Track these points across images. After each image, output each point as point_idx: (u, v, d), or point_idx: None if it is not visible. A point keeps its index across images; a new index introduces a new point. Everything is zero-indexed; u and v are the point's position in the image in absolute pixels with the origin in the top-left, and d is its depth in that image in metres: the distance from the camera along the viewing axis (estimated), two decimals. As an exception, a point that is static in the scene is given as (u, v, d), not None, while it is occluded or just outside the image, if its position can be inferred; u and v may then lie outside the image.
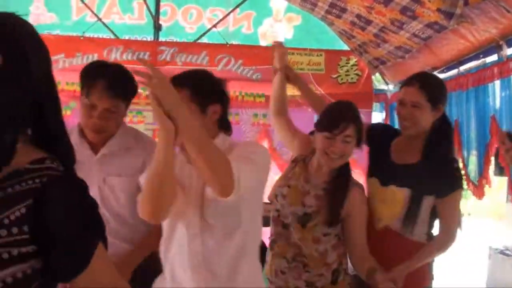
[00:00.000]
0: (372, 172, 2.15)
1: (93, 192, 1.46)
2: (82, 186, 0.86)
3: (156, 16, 4.27)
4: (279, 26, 4.60)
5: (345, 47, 4.34)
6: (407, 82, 2.05)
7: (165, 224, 1.59)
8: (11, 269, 0.75)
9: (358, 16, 3.43)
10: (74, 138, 1.79)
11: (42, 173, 0.82)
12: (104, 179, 1.85)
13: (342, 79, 4.27)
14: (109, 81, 1.75)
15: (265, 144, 4.29)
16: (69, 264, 0.81)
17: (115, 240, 1.75)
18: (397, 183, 1.99)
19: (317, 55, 4.22)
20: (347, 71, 4.26)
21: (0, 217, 0.76)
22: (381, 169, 2.09)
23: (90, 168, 1.80)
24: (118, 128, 1.89)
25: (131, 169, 1.85)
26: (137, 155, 1.90)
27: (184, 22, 4.59)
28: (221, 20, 4.37)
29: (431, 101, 1.94)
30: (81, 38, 4.23)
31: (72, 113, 4.08)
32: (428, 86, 1.96)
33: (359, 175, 4.20)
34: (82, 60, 4.17)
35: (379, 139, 2.17)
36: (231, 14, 4.45)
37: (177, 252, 1.57)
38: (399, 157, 2.05)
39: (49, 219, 0.78)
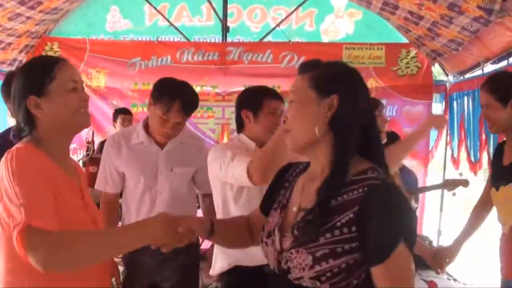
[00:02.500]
0: (491, 183, 2.81)
1: (162, 179, 2.81)
2: (397, 192, 1.38)
3: (223, 19, 5.83)
4: (340, 22, 6.02)
5: (405, 40, 5.68)
6: (481, 86, 2.85)
7: None
8: (342, 259, 1.34)
9: (410, 12, 4.78)
10: (142, 136, 2.83)
11: (365, 183, 1.38)
12: (171, 169, 2.85)
13: (402, 71, 5.62)
14: (185, 102, 2.78)
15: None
16: (374, 255, 1.33)
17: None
18: (504, 182, 2.60)
19: (378, 49, 5.60)
20: (407, 63, 5.60)
21: (334, 220, 1.36)
22: (494, 177, 2.77)
23: (159, 161, 2.85)
24: None
25: (189, 160, 2.91)
26: (192, 149, 2.94)
27: (250, 22, 6.15)
28: (284, 19, 5.86)
29: (499, 100, 2.54)
30: (155, 42, 5.90)
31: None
32: (493, 87, 2.59)
33: (419, 165, 5.55)
34: (156, 62, 5.83)
35: (496, 151, 2.95)
36: (294, 13, 5.91)
37: None
38: (507, 159, 2.68)
39: (369, 220, 1.33)
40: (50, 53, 6.01)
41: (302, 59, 5.67)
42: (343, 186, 1.41)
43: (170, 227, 1.65)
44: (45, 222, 1.53)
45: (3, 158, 1.66)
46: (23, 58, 6.07)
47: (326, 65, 1.58)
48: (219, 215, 2.69)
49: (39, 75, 1.79)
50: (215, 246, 2.78)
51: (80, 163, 4.23)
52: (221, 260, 2.73)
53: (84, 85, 1.92)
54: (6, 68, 5.98)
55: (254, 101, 2.69)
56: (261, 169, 2.30)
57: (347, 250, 1.35)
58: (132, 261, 2.91)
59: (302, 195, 1.55)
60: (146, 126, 2.87)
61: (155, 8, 5.93)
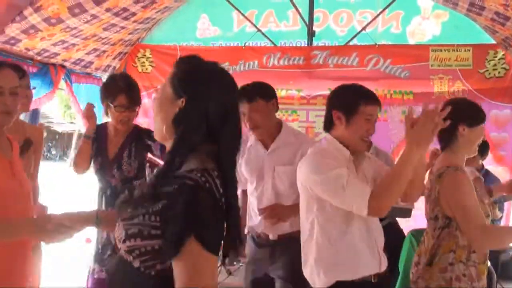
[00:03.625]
0: None
1: (266, 178, 3.52)
2: (203, 195, 1.62)
3: (309, 23, 6.63)
4: (427, 24, 6.64)
5: (492, 41, 6.18)
6: None
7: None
8: (148, 241, 1.65)
9: (497, 13, 5.34)
10: (252, 141, 3.58)
11: (181, 181, 1.62)
12: (274, 168, 3.41)
13: (489, 73, 6.10)
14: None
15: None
16: (167, 249, 1.60)
17: None
18: None
19: (465, 50, 6.11)
20: (495, 65, 6.06)
21: (148, 207, 1.66)
22: None
23: (263, 161, 3.46)
24: (269, 123, 3.59)
25: (292, 159, 3.36)
26: (296, 149, 3.39)
27: (335, 26, 6.93)
28: (370, 22, 6.57)
29: None
30: (243, 47, 6.80)
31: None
32: None
33: (505, 172, 5.99)
34: (244, 67, 6.71)
35: None
36: (380, 15, 6.59)
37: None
38: None
39: (167, 214, 1.61)
40: (143, 60, 7.06)
41: (388, 62, 6.35)
42: (170, 179, 1.66)
43: (40, 224, 2.21)
44: None
45: None
46: (117, 64, 7.14)
47: (188, 65, 1.82)
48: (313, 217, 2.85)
49: None
50: (315, 259, 2.84)
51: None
52: (323, 273, 2.81)
53: (12, 91, 2.47)
54: (100, 74, 7.07)
55: (348, 103, 2.80)
56: (383, 204, 2.55)
57: (152, 235, 1.64)
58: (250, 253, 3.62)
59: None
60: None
61: (243, 15, 6.84)
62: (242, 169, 3.58)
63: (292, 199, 3.39)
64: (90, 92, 6.83)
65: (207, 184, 1.64)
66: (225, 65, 6.66)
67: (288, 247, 3.34)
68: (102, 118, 6.52)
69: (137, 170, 3.81)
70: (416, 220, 4.54)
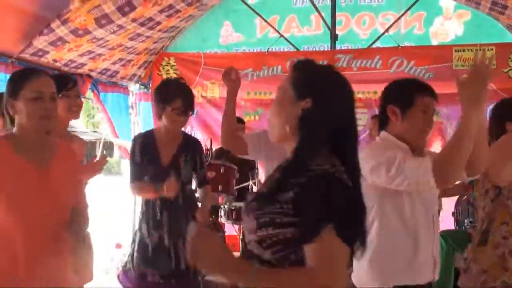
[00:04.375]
0: None
1: None
2: (337, 184, 1.68)
3: (332, 27, 6.67)
4: (449, 24, 6.65)
5: (515, 40, 6.17)
6: None
7: None
8: (280, 230, 1.67)
9: (519, 12, 5.39)
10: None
11: (313, 172, 1.68)
12: None
13: (513, 72, 6.06)
14: None
15: (438, 142, 6.31)
16: (303, 234, 1.63)
17: None
18: None
19: (488, 49, 6.08)
20: None
21: (279, 196, 1.69)
22: None
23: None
24: None
25: None
26: None
27: (358, 29, 6.97)
28: (393, 24, 6.58)
29: None
30: (266, 53, 6.86)
31: (259, 118, 6.70)
32: None
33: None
34: (267, 72, 6.77)
35: None
36: (403, 17, 6.60)
37: None
38: None
39: (302, 202, 1.64)
40: (167, 68, 7.15)
41: (412, 63, 6.34)
42: (299, 172, 1.71)
43: None
44: None
45: None
46: (142, 73, 7.25)
47: (311, 68, 1.88)
48: (377, 228, 2.70)
49: (16, 81, 2.48)
50: (369, 260, 2.66)
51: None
52: (379, 275, 2.70)
53: (52, 96, 2.48)
54: (126, 83, 7.20)
55: (403, 95, 2.70)
56: (449, 170, 2.37)
57: (285, 222, 1.67)
58: None
59: (273, 174, 1.91)
60: None
61: (265, 21, 6.90)
62: (266, 164, 3.48)
63: None
64: (117, 101, 6.97)
65: (338, 175, 1.68)
66: (249, 71, 6.80)
67: None
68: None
69: (190, 175, 3.93)
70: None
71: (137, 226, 3.97)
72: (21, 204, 2.37)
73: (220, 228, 4.03)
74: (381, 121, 2.82)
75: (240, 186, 5.58)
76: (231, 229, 6.13)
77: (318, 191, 1.64)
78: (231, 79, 3.38)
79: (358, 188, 1.77)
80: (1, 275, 2.34)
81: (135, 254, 3.83)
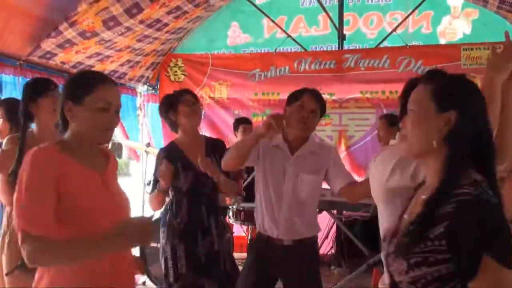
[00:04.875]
0: None
1: (287, 183, 3.35)
2: (489, 208, 1.55)
3: (340, 27, 6.66)
4: (457, 23, 6.62)
5: (524, 38, 6.15)
6: None
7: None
8: (435, 267, 1.57)
9: (528, 11, 5.36)
10: (279, 139, 3.31)
11: (459, 198, 1.55)
12: (297, 175, 3.26)
13: (522, 71, 6.06)
14: (312, 90, 3.36)
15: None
16: (466, 271, 1.52)
17: (292, 217, 3.27)
18: None
19: (497, 48, 6.07)
20: None
21: (429, 232, 1.59)
22: None
23: (287, 165, 3.29)
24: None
25: (316, 169, 3.32)
26: (320, 159, 3.34)
27: (366, 29, 6.95)
28: (400, 23, 6.56)
29: None
30: (274, 53, 6.86)
31: (267, 119, 6.73)
32: None
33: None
34: (275, 73, 6.77)
35: None
36: (410, 16, 6.58)
37: None
38: None
39: (459, 236, 1.53)
40: (175, 69, 7.17)
41: (420, 62, 6.30)
42: (444, 200, 1.60)
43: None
44: (35, 228, 1.95)
45: (26, 155, 2.09)
46: (150, 74, 7.27)
47: (449, 78, 1.79)
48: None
49: (82, 85, 2.16)
50: None
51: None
52: None
53: (118, 109, 2.22)
54: (134, 84, 7.21)
55: None
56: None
57: (439, 260, 1.57)
58: (259, 252, 3.45)
59: (414, 205, 1.81)
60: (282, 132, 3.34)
61: (273, 21, 6.90)
62: (261, 169, 3.38)
63: (313, 207, 3.48)
64: (125, 102, 6.98)
65: (486, 197, 1.57)
66: (256, 71, 6.80)
67: (302, 253, 3.33)
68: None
69: None
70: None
71: (164, 240, 3.79)
72: (89, 212, 2.14)
73: (228, 228, 3.98)
74: None
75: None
76: (239, 230, 6.13)
77: (470, 221, 1.52)
78: (274, 129, 3.03)
79: (501, 202, 1.66)
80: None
81: (182, 268, 3.71)
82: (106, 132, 2.23)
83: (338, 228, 6.18)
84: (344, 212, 5.44)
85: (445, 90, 1.72)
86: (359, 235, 5.06)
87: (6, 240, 3.21)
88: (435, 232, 1.58)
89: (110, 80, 2.25)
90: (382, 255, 1.94)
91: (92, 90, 2.14)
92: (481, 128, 1.68)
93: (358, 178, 6.34)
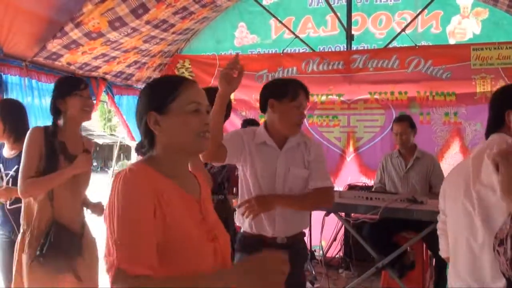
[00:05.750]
0: None
1: (279, 179, 3.19)
2: None
3: (348, 28, 6.59)
4: (467, 22, 6.53)
5: (534, 37, 6.02)
6: None
7: None
8: None
9: (539, 10, 5.28)
10: (264, 135, 3.16)
11: None
12: (289, 169, 3.17)
13: (533, 71, 5.91)
14: (303, 86, 3.17)
15: (457, 143, 6.22)
16: None
17: (287, 212, 3.17)
18: None
19: (507, 48, 5.94)
20: None
21: None
22: None
23: (277, 160, 3.17)
24: None
25: (303, 161, 3.22)
26: (305, 150, 3.23)
27: (374, 29, 6.87)
28: (409, 23, 6.49)
29: None
30: (281, 54, 6.80)
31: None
32: None
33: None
34: (283, 74, 6.71)
35: None
36: (419, 16, 6.51)
37: None
38: None
39: None
40: (182, 70, 7.13)
41: (429, 63, 6.23)
42: None
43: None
44: (134, 266, 1.63)
45: (114, 180, 1.78)
46: (157, 75, 7.22)
47: None
48: None
49: (163, 92, 1.91)
50: None
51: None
52: None
53: (208, 108, 1.96)
54: (141, 86, 7.17)
55: None
56: None
57: None
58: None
59: None
60: (266, 129, 3.23)
61: (281, 22, 6.85)
62: (250, 167, 3.18)
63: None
64: (132, 104, 6.95)
65: None
66: (264, 72, 6.76)
67: (296, 250, 3.20)
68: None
69: None
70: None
71: None
72: (189, 246, 1.80)
73: (234, 229, 3.93)
74: (492, 124, 2.52)
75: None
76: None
77: None
78: (230, 79, 2.85)
79: None
80: None
81: None
82: (203, 136, 1.92)
83: (346, 230, 6.12)
84: (352, 214, 5.38)
85: None
86: (367, 237, 5.00)
87: (27, 240, 3.17)
88: None
89: (190, 80, 1.99)
90: (499, 260, 1.72)
91: (176, 93, 1.90)
92: None
93: (366, 180, 6.46)
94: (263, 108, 3.23)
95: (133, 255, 1.65)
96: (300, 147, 3.25)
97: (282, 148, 3.21)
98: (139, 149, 2.00)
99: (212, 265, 1.84)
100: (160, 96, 1.88)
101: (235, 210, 5.37)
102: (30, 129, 3.30)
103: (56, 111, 3.31)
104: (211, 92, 3.44)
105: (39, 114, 5.06)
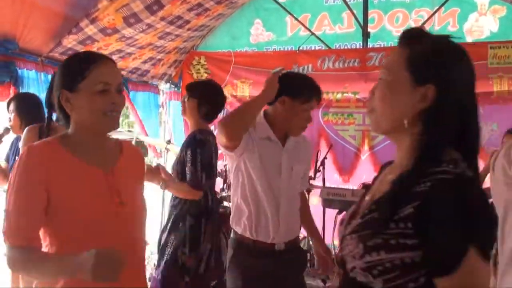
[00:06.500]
0: None
1: (283, 177, 3.12)
2: (472, 189, 1.30)
3: (364, 25, 6.53)
4: (484, 20, 6.45)
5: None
6: None
7: None
8: (396, 254, 1.30)
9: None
10: (268, 130, 3.03)
11: (435, 176, 1.30)
12: (292, 167, 3.10)
13: (549, 70, 5.79)
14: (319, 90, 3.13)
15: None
16: (437, 264, 1.26)
17: (290, 215, 3.12)
18: None
19: None
20: None
21: (394, 213, 1.32)
22: None
23: (281, 157, 3.08)
24: None
25: (304, 158, 3.26)
26: (304, 148, 3.24)
27: (391, 26, 6.81)
28: (426, 20, 6.42)
29: None
30: (297, 51, 6.76)
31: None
32: None
33: None
34: (298, 71, 6.64)
35: None
36: (436, 13, 6.43)
37: None
38: None
39: (431, 220, 1.25)
40: (198, 67, 7.12)
41: (446, 61, 6.16)
42: (418, 179, 1.35)
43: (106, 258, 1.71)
44: (14, 238, 1.87)
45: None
46: (172, 72, 7.24)
47: (430, 43, 1.48)
48: None
49: (75, 71, 1.95)
50: None
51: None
52: None
53: (119, 87, 2.01)
54: (157, 82, 7.18)
55: None
56: None
57: (403, 245, 1.31)
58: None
59: (379, 185, 1.57)
60: (268, 122, 3.10)
61: (296, 19, 6.80)
62: (254, 163, 3.04)
63: (299, 200, 3.28)
64: (147, 100, 6.96)
65: (466, 175, 1.35)
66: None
67: (294, 256, 3.17)
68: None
69: None
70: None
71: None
72: (90, 213, 1.94)
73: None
74: None
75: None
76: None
77: (449, 201, 1.26)
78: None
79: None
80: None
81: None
82: (110, 115, 1.98)
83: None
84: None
85: (424, 57, 1.43)
86: None
87: None
88: (402, 213, 1.31)
89: (105, 58, 2.03)
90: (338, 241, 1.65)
91: (86, 73, 1.95)
92: (465, 104, 1.41)
93: None
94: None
95: (13, 227, 1.87)
96: (300, 144, 3.20)
97: (285, 145, 3.10)
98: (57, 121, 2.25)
99: (115, 229, 1.97)
100: (72, 75, 1.96)
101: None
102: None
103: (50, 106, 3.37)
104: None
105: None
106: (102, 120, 1.97)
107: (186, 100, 3.85)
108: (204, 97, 3.82)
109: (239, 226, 3.11)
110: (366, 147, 6.62)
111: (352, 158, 6.67)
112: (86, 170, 1.99)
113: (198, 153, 3.68)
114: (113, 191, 2.02)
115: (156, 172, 3.80)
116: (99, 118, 1.97)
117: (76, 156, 1.98)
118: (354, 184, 6.25)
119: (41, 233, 1.94)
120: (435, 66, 1.42)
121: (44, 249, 1.95)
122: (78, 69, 1.96)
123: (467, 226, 1.23)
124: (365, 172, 6.49)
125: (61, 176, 1.92)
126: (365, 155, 6.61)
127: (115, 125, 2.04)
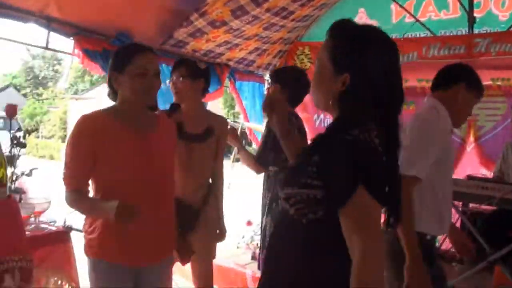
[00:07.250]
0: None
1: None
2: (364, 145, 1.68)
3: (469, 10, 6.36)
4: None
5: None
6: None
7: None
8: (304, 190, 1.71)
9: None
10: (450, 123, 3.07)
11: (340, 135, 1.70)
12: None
13: None
14: None
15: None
16: (333, 199, 1.67)
17: None
18: None
19: None
20: None
21: (306, 159, 1.75)
22: None
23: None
24: None
25: None
26: None
27: (497, 11, 6.54)
28: (535, 5, 6.16)
29: None
30: (401, 39, 6.70)
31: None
32: None
33: None
34: (402, 59, 6.51)
35: None
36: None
37: None
38: None
39: (328, 165, 1.69)
40: (302, 57, 7.22)
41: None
42: (329, 138, 1.75)
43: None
44: (69, 184, 2.61)
45: None
46: (277, 62, 7.38)
47: (349, 35, 1.80)
48: None
49: (122, 57, 2.64)
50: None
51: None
52: None
53: (156, 72, 2.67)
54: (262, 72, 7.37)
55: None
56: None
57: (308, 184, 1.69)
58: None
59: None
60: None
61: (401, 6, 6.76)
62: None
63: None
64: (252, 89, 7.17)
65: (366, 138, 1.68)
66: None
67: None
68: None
69: None
70: None
71: None
72: (123, 167, 2.61)
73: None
74: None
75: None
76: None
77: (343, 152, 1.64)
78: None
79: (392, 157, 1.76)
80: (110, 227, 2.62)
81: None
82: (146, 94, 2.64)
83: (462, 222, 5.91)
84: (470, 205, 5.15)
85: (341, 49, 1.76)
86: (481, 230, 4.74)
87: None
88: (311, 159, 1.70)
89: (146, 49, 2.67)
90: None
91: (130, 60, 2.58)
92: (379, 88, 1.72)
93: (486, 172, 5.99)
94: (445, 84, 3.17)
95: (67, 175, 2.62)
96: None
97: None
98: (109, 96, 2.77)
99: (146, 184, 2.63)
100: (120, 60, 2.63)
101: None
102: None
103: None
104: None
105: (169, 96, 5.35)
106: (140, 96, 2.63)
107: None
108: (287, 83, 3.99)
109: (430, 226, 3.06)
110: (471, 138, 6.39)
111: (457, 149, 6.27)
112: (126, 135, 2.63)
113: (272, 132, 3.80)
114: (147, 153, 2.66)
115: (232, 134, 4.12)
116: (138, 95, 2.62)
117: (119, 123, 2.62)
118: (458, 177, 6.08)
119: (90, 182, 2.67)
120: (350, 56, 1.73)
121: (92, 194, 2.69)
122: (125, 56, 2.63)
123: (355, 171, 1.60)
124: (470, 164, 6.25)
125: (106, 139, 2.57)
126: (470, 147, 6.40)
127: (150, 101, 2.73)
